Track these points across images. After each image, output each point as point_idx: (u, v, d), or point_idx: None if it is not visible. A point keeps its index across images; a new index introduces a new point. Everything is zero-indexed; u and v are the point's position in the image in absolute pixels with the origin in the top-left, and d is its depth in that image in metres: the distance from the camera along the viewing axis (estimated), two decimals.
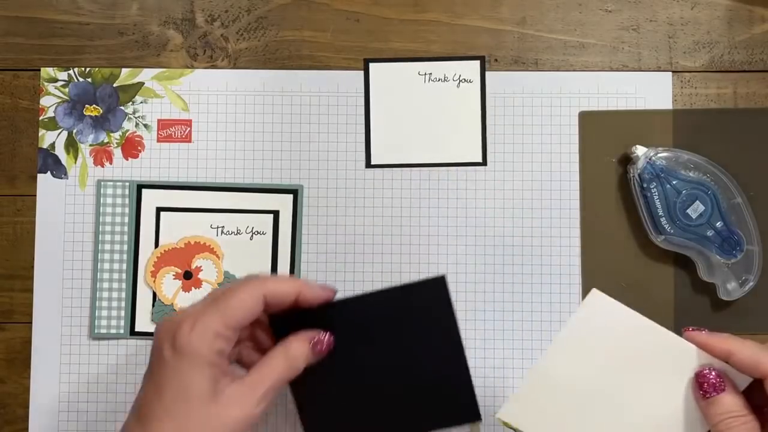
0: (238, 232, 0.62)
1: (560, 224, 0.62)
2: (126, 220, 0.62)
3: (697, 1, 0.63)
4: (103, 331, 0.62)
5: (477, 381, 0.61)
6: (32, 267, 0.62)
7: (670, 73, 0.63)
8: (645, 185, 0.59)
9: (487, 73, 0.63)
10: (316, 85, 0.63)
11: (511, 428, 0.51)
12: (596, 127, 0.62)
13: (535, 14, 0.63)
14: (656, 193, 0.59)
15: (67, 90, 0.63)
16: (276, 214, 0.62)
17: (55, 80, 0.63)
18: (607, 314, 0.50)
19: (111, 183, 0.62)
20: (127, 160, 0.63)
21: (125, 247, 0.62)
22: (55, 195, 0.62)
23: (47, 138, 0.63)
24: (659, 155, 0.59)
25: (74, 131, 0.63)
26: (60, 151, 0.63)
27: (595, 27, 0.63)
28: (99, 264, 0.62)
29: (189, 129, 0.63)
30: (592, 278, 0.61)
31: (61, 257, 0.62)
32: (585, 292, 0.61)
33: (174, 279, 0.62)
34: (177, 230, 0.62)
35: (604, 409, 0.50)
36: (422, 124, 0.63)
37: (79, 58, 0.63)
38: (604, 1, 0.63)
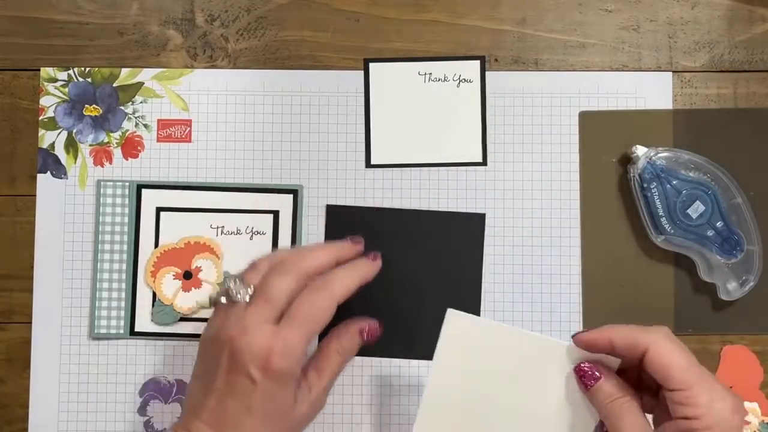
0: (238, 232, 0.62)
1: (560, 224, 0.62)
2: (126, 220, 0.62)
3: (697, 1, 0.63)
4: (103, 331, 0.62)
5: None
6: (32, 267, 0.62)
7: (670, 73, 0.63)
8: (645, 185, 0.59)
9: (487, 73, 0.63)
10: (316, 85, 0.63)
11: None
12: (596, 127, 0.62)
13: (535, 14, 0.63)
14: (656, 193, 0.59)
15: (66, 90, 0.63)
16: (276, 214, 0.62)
17: (55, 80, 0.63)
18: (469, 331, 0.51)
19: (111, 183, 0.62)
20: (127, 160, 0.63)
21: (125, 247, 0.62)
22: (55, 195, 0.62)
23: (47, 138, 0.63)
24: (659, 155, 0.59)
25: (74, 131, 0.63)
26: (60, 151, 0.63)
27: (595, 27, 0.63)
28: (99, 264, 0.62)
29: (189, 129, 0.63)
30: (592, 278, 0.61)
31: (61, 257, 0.62)
32: (585, 292, 0.61)
33: (174, 279, 0.62)
34: (177, 230, 0.62)
35: (500, 419, 0.51)
36: (422, 124, 0.63)
37: (78, 58, 0.63)
38: (604, 1, 0.63)
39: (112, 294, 0.62)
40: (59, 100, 0.63)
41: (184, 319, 0.62)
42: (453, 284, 0.62)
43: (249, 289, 0.52)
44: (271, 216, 0.62)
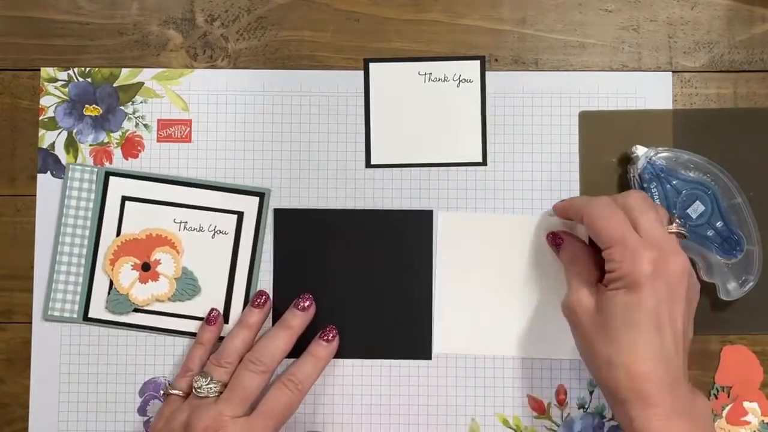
0: (201, 229, 0.62)
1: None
2: (91, 205, 0.62)
3: (697, 1, 0.63)
4: (57, 313, 0.62)
5: (476, 379, 0.61)
6: (32, 267, 0.62)
7: (670, 73, 0.63)
8: (645, 185, 0.59)
9: (487, 73, 0.63)
10: (316, 85, 0.63)
11: None
12: (596, 127, 0.62)
13: (535, 14, 0.63)
14: (656, 193, 0.59)
15: (67, 90, 0.63)
16: (240, 215, 0.62)
17: (55, 80, 0.63)
18: (457, 225, 0.61)
19: (80, 167, 0.62)
20: (127, 159, 0.63)
21: (87, 233, 0.62)
22: (55, 195, 0.62)
23: (47, 138, 0.63)
24: (659, 155, 0.59)
25: (74, 131, 0.63)
26: (60, 151, 0.63)
27: (595, 27, 0.63)
28: (59, 247, 0.62)
29: (189, 129, 0.63)
30: None
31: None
32: None
33: (132, 269, 0.62)
34: (140, 221, 0.62)
35: (504, 302, 0.61)
36: (422, 124, 0.63)
37: (79, 58, 0.63)
38: (604, 1, 0.63)
39: (69, 278, 0.62)
40: (59, 100, 0.63)
41: (138, 310, 0.62)
42: (405, 282, 0.62)
43: (217, 388, 0.57)
44: (235, 217, 0.62)
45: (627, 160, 0.61)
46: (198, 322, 0.62)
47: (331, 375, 0.61)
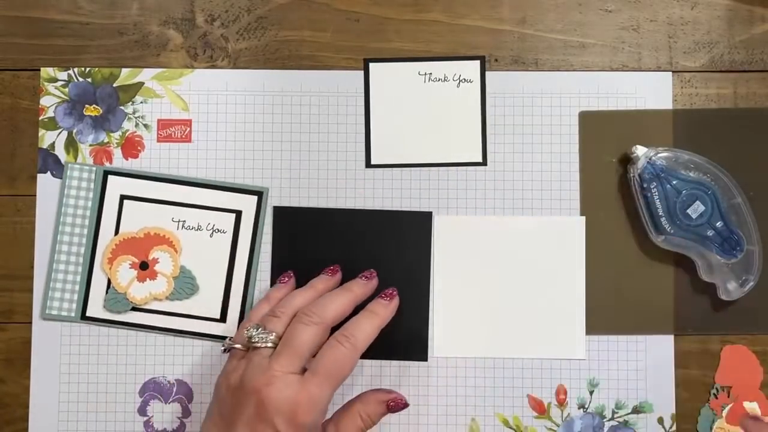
0: (199, 228, 0.62)
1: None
2: (89, 204, 0.62)
3: (697, 1, 0.63)
4: (54, 312, 0.62)
5: (476, 379, 0.61)
6: (32, 267, 0.62)
7: (670, 73, 0.63)
8: (645, 185, 0.59)
9: (487, 73, 0.63)
10: (316, 85, 0.63)
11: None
12: (596, 127, 0.62)
13: (535, 14, 0.63)
14: (656, 193, 0.59)
15: (67, 90, 0.63)
16: (239, 214, 0.62)
17: (55, 80, 0.63)
18: (455, 228, 0.61)
19: (78, 166, 0.62)
20: (127, 160, 0.63)
21: (85, 231, 0.62)
22: (55, 195, 0.62)
23: (47, 138, 0.63)
24: (659, 155, 0.59)
25: (74, 131, 0.63)
26: (60, 151, 0.63)
27: (595, 27, 0.63)
28: (57, 245, 0.62)
29: (189, 129, 0.63)
30: (592, 278, 0.61)
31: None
32: (585, 291, 0.61)
33: (130, 268, 0.62)
34: (138, 220, 0.62)
35: (501, 303, 0.61)
36: (422, 124, 0.63)
37: (79, 58, 0.63)
38: (604, 1, 0.63)
39: (67, 276, 0.62)
40: (59, 100, 0.63)
41: (136, 309, 0.62)
42: (403, 282, 0.61)
43: (272, 338, 0.54)
44: (233, 215, 0.62)
45: (627, 160, 0.61)
46: (197, 321, 0.62)
47: None
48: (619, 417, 0.61)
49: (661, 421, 0.61)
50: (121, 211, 0.62)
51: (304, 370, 0.54)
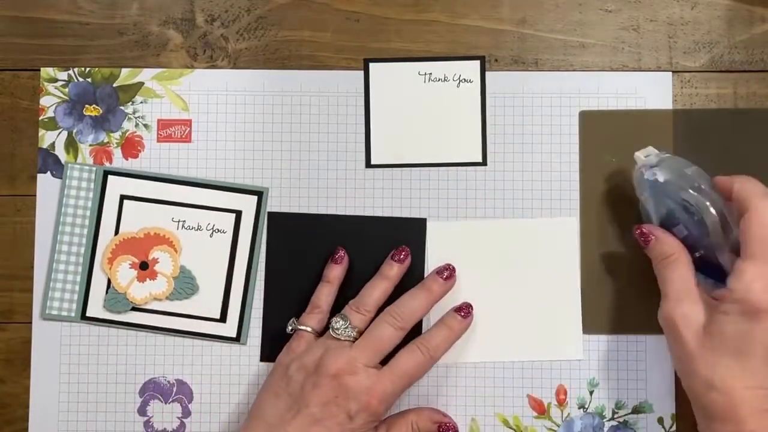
0: (199, 228, 0.62)
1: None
2: (89, 204, 0.62)
3: (697, 1, 0.63)
4: (54, 312, 0.62)
5: (476, 379, 0.62)
6: (32, 267, 0.62)
7: (670, 73, 0.63)
8: (638, 193, 0.58)
9: (487, 73, 0.63)
10: (316, 85, 0.63)
11: None
12: (596, 127, 0.62)
13: (535, 14, 0.63)
14: (648, 203, 0.58)
15: (67, 90, 0.63)
16: (239, 214, 0.62)
17: (55, 80, 0.63)
18: (448, 234, 0.62)
19: (78, 166, 0.62)
20: (127, 160, 0.63)
21: (85, 231, 0.62)
22: (55, 195, 0.62)
23: (47, 138, 0.63)
24: (661, 165, 0.56)
25: (74, 131, 0.63)
26: (60, 151, 0.63)
27: (595, 27, 0.63)
28: (57, 245, 0.62)
29: (189, 129, 0.63)
30: (592, 277, 0.61)
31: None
32: (584, 291, 0.61)
33: (130, 268, 0.62)
34: (138, 220, 0.62)
35: (498, 306, 0.62)
36: (422, 124, 0.63)
37: (79, 58, 0.63)
38: (604, 1, 0.63)
39: (67, 276, 0.62)
40: (59, 100, 0.63)
41: (136, 309, 0.62)
42: (398, 286, 0.61)
43: (354, 333, 0.58)
44: (233, 215, 0.62)
45: (630, 161, 0.60)
46: (197, 321, 0.62)
47: None
48: (619, 417, 0.61)
49: (661, 421, 0.61)
50: (121, 211, 0.62)
51: (379, 366, 0.57)
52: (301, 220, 0.62)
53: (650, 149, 0.58)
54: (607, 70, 0.63)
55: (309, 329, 0.59)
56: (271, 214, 0.62)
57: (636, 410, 0.61)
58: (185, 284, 0.62)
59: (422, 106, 0.63)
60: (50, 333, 0.62)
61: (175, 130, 0.63)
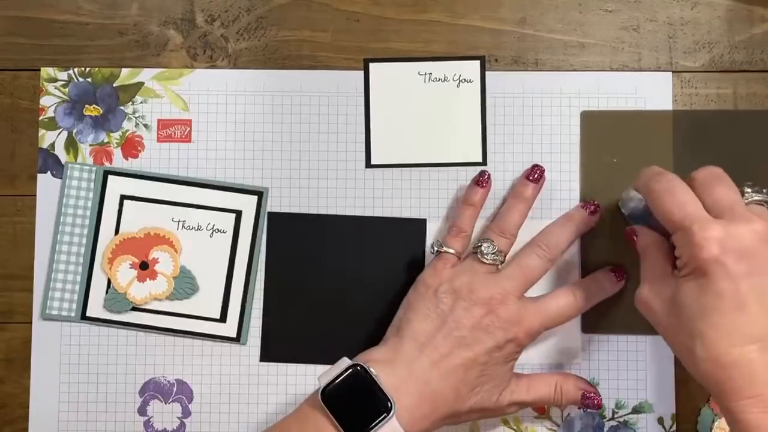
0: (199, 228, 0.62)
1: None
2: (89, 204, 0.62)
3: (697, 1, 0.63)
4: (54, 312, 0.62)
5: None
6: (32, 267, 0.62)
7: (670, 73, 0.63)
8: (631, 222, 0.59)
9: (487, 73, 0.63)
10: (316, 85, 0.63)
11: None
12: (596, 127, 0.62)
13: (535, 14, 0.63)
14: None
15: (67, 90, 0.63)
16: (239, 214, 0.62)
17: (55, 80, 0.63)
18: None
19: (78, 167, 0.62)
20: (127, 159, 0.63)
21: (85, 231, 0.62)
22: (55, 195, 0.62)
23: (47, 138, 0.63)
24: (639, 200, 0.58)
25: (74, 131, 0.63)
26: (60, 151, 0.63)
27: (595, 27, 0.63)
28: (57, 246, 0.62)
29: (189, 129, 0.63)
30: None
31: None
32: None
33: (130, 268, 0.62)
34: (138, 220, 0.62)
35: None
36: (422, 124, 0.63)
37: (79, 58, 0.63)
38: (604, 1, 0.63)
39: (67, 276, 0.62)
40: (59, 100, 0.63)
41: (136, 309, 0.62)
42: (397, 289, 0.61)
43: (501, 258, 0.58)
44: (233, 215, 0.62)
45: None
46: (197, 321, 0.62)
47: None
48: (619, 417, 0.61)
49: (661, 421, 0.61)
50: (121, 211, 0.62)
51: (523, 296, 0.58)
52: (300, 220, 0.62)
53: (623, 193, 0.60)
54: (607, 70, 0.63)
55: (453, 251, 0.59)
56: (270, 214, 0.62)
57: (636, 410, 0.61)
58: (185, 284, 0.62)
59: (422, 106, 0.63)
60: (50, 333, 0.62)
61: (175, 130, 0.63)
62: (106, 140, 0.63)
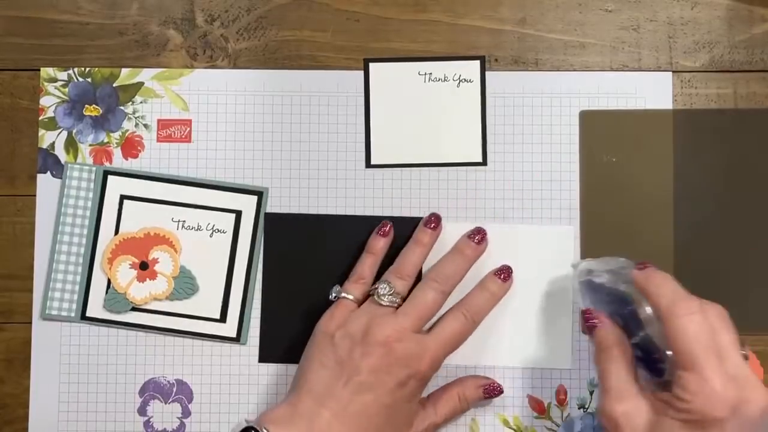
0: (199, 228, 0.62)
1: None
2: (89, 204, 0.62)
3: (697, 1, 0.63)
4: (54, 312, 0.62)
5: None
6: (32, 267, 0.62)
7: (670, 73, 0.63)
8: (582, 304, 0.57)
9: (487, 73, 0.63)
10: (316, 85, 0.63)
11: None
12: (596, 127, 0.62)
13: (535, 14, 0.63)
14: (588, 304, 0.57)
15: (66, 90, 0.63)
16: (239, 214, 0.62)
17: (55, 80, 0.63)
18: (444, 235, 0.61)
19: (78, 167, 0.62)
20: (127, 159, 0.63)
21: (85, 231, 0.62)
22: (55, 195, 0.62)
23: (47, 138, 0.63)
24: (594, 274, 0.56)
25: (74, 131, 0.63)
26: (60, 151, 0.63)
27: (595, 27, 0.63)
28: (57, 246, 0.62)
29: (189, 129, 0.63)
30: None
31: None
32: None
33: (130, 268, 0.62)
34: (138, 220, 0.62)
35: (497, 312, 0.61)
36: (422, 124, 0.63)
37: (79, 58, 0.63)
38: (604, 1, 0.63)
39: (67, 276, 0.62)
40: (59, 100, 0.63)
41: (136, 309, 0.62)
42: None
43: (398, 300, 0.58)
44: (233, 215, 0.62)
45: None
46: (197, 321, 0.62)
47: None
48: None
49: None
50: (120, 211, 0.62)
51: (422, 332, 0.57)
52: (298, 221, 0.62)
53: (580, 261, 0.59)
54: (607, 70, 0.63)
55: (351, 297, 0.58)
56: (268, 215, 0.62)
57: None
58: (185, 284, 0.62)
59: (422, 106, 0.63)
60: (50, 333, 0.62)
61: (175, 130, 0.63)
62: (106, 140, 0.63)
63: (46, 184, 0.62)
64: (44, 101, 0.63)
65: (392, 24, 0.63)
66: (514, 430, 0.62)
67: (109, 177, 0.62)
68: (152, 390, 0.62)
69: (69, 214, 0.62)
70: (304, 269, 0.62)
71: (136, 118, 0.63)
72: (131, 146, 0.63)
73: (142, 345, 0.62)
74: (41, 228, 0.62)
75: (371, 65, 0.63)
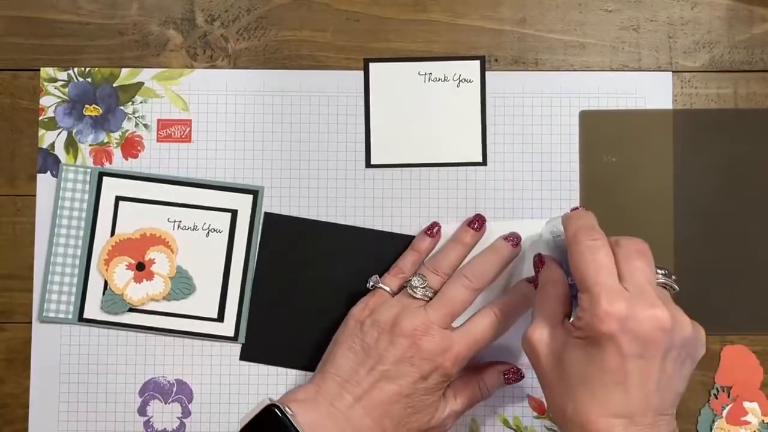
0: (195, 228, 0.62)
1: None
2: (85, 206, 0.62)
3: (697, 1, 0.63)
4: (52, 314, 0.62)
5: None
6: (32, 267, 0.62)
7: (670, 73, 0.63)
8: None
9: (487, 73, 0.63)
10: (316, 85, 0.63)
11: None
12: (596, 127, 0.62)
13: (535, 14, 0.63)
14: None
15: (66, 90, 0.63)
16: (234, 213, 0.62)
17: (55, 80, 0.63)
18: (447, 234, 0.59)
19: (73, 168, 0.62)
20: (127, 159, 0.63)
21: (81, 233, 0.62)
22: (54, 195, 0.62)
23: (47, 138, 0.63)
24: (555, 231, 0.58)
25: (74, 131, 0.63)
26: (60, 151, 0.63)
27: (595, 27, 0.63)
28: (54, 248, 0.62)
29: (189, 129, 0.63)
30: None
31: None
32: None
33: (127, 269, 0.62)
34: (134, 221, 0.62)
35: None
36: (422, 124, 0.63)
37: (79, 58, 0.63)
38: (604, 1, 0.63)
39: (64, 279, 0.62)
40: (59, 100, 0.63)
41: (133, 310, 0.62)
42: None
43: (430, 294, 0.58)
44: (229, 215, 0.62)
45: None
46: (194, 321, 0.62)
47: None
48: None
49: None
50: (116, 213, 0.62)
51: (451, 327, 0.57)
52: (297, 224, 0.62)
53: (552, 218, 0.59)
54: (607, 70, 0.63)
55: (388, 289, 0.59)
56: (267, 215, 0.62)
57: None
58: (182, 284, 0.62)
59: (422, 106, 0.63)
60: (50, 333, 0.62)
61: (175, 130, 0.63)
62: (105, 140, 0.63)
63: (46, 184, 0.62)
64: (44, 101, 0.63)
65: (392, 24, 0.63)
66: (514, 430, 0.62)
67: (105, 178, 0.62)
68: (152, 390, 0.62)
69: (65, 216, 0.62)
70: (296, 272, 0.62)
71: (136, 118, 0.63)
72: (131, 146, 0.63)
73: (142, 345, 0.62)
74: (41, 228, 0.62)
75: (371, 65, 0.63)
